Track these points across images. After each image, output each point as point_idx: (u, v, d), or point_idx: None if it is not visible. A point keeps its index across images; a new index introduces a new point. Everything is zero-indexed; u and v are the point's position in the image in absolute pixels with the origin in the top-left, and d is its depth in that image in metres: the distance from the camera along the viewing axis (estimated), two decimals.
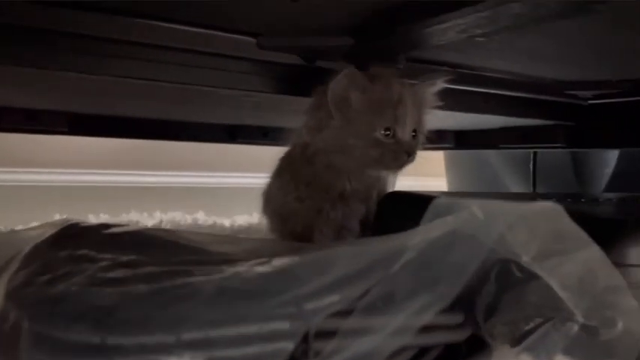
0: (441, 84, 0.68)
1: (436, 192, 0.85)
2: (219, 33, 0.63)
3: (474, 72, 0.81)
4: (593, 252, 0.35)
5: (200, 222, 1.28)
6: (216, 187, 1.50)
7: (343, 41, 0.60)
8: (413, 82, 0.67)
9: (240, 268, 0.32)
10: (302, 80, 0.73)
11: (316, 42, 0.61)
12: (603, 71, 0.85)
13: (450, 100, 0.87)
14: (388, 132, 0.64)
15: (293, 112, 0.83)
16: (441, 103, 0.72)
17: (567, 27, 0.56)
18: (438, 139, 1.28)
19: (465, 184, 1.49)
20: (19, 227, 0.85)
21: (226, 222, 1.29)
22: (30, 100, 0.93)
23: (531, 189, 1.23)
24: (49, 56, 0.61)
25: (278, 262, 0.31)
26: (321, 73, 0.72)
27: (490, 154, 1.38)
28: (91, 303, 0.30)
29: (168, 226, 1.20)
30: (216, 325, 0.28)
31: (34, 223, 0.59)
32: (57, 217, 1.26)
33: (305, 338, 0.29)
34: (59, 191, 1.35)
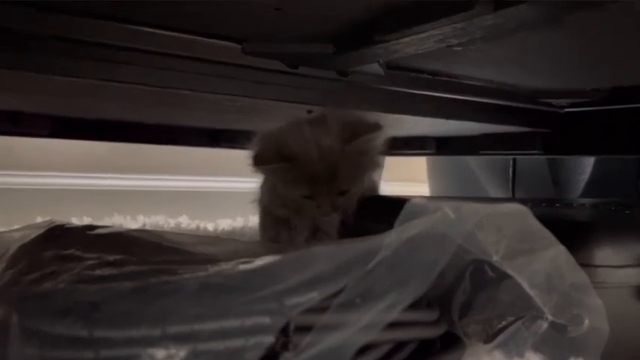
0: (381, 135, 0.72)
1: (415, 196, 0.87)
2: (204, 39, 0.64)
3: (453, 79, 0.83)
4: (559, 251, 0.37)
5: (183, 226, 1.29)
6: (200, 191, 1.51)
7: (325, 48, 0.62)
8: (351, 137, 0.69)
9: (224, 266, 0.33)
10: (285, 86, 0.74)
11: (299, 49, 0.62)
12: (576, 80, 0.88)
13: (430, 108, 0.90)
14: (307, 197, 0.70)
15: (275, 117, 0.84)
16: (386, 152, 0.78)
17: (540, 38, 0.59)
18: (421, 145, 1.31)
19: (446, 190, 1.51)
20: (1, 229, 0.85)
21: (210, 226, 1.30)
22: (12, 103, 0.93)
23: (510, 194, 1.26)
24: (32, 59, 0.62)
25: (260, 261, 0.33)
26: (304, 78, 0.74)
27: (471, 160, 1.40)
28: (78, 299, 0.31)
29: None
30: (199, 319, 0.29)
31: (16, 226, 0.60)
32: (39, 220, 1.26)
33: (285, 332, 0.30)
34: (41, 194, 1.35)
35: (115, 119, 1.08)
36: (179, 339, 0.28)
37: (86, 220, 1.24)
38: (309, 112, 0.85)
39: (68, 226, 0.52)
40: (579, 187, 1.18)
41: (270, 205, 0.78)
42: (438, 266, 0.30)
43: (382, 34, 0.54)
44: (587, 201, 0.85)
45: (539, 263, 0.38)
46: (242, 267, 0.33)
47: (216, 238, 0.62)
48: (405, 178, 1.66)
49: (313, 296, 0.31)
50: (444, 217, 0.33)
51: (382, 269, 0.30)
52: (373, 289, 0.29)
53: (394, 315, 0.29)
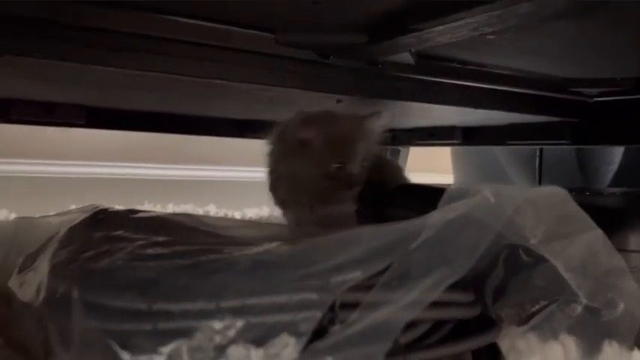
0: (386, 117, 0.80)
1: (445, 184, 0.87)
2: (239, 29, 0.65)
3: (482, 68, 0.83)
4: (596, 236, 0.38)
5: (211, 214, 1.31)
6: (227, 181, 1.53)
7: (357, 38, 0.63)
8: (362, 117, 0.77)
9: (271, 245, 0.35)
10: (316, 76, 0.75)
11: (332, 39, 0.63)
12: (607, 69, 0.87)
13: (459, 97, 0.90)
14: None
15: (307, 107, 0.85)
16: (386, 135, 0.83)
17: (572, 26, 0.59)
18: (447, 135, 1.31)
19: (471, 180, 1.51)
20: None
21: (237, 215, 1.32)
22: (48, 93, 0.96)
23: (537, 185, 1.25)
24: (70, 49, 0.64)
25: (306, 241, 0.34)
26: (335, 68, 0.75)
27: (497, 150, 1.40)
28: (135, 275, 0.33)
29: None
30: (251, 294, 0.30)
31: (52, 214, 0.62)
32: (73, 207, 1.29)
33: (332, 308, 0.31)
34: (74, 183, 1.38)
35: (149, 110, 1.10)
36: (233, 312, 0.30)
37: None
38: (339, 101, 0.86)
39: (112, 210, 0.54)
40: (608, 177, 1.17)
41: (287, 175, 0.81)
42: (479, 249, 0.31)
43: (417, 22, 0.55)
44: (616, 190, 0.85)
45: (576, 247, 0.39)
46: (289, 246, 0.34)
47: (254, 222, 0.64)
48: (426, 168, 1.66)
49: (357, 275, 0.32)
50: (484, 200, 0.33)
51: (425, 249, 0.31)
52: (416, 269, 0.31)
53: (436, 294, 0.31)
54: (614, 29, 0.62)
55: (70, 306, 0.33)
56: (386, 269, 0.31)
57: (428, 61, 0.78)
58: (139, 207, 1.26)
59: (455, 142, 1.31)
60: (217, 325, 0.29)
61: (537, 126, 1.12)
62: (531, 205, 0.35)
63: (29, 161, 1.35)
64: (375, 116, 0.78)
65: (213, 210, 1.33)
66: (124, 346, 0.30)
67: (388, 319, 0.30)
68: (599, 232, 0.38)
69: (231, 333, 0.29)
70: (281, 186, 0.81)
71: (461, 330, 0.40)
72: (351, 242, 0.32)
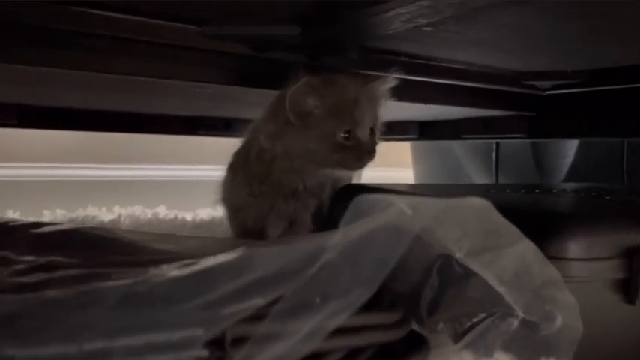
0: (393, 80, 0.70)
1: (393, 185, 0.84)
2: (164, 22, 0.61)
3: (432, 62, 0.80)
4: (526, 247, 0.35)
5: (161, 216, 1.26)
6: (179, 180, 1.48)
7: (290, 30, 0.59)
8: (367, 79, 0.69)
9: (155, 271, 0.30)
10: (253, 71, 0.71)
11: (262, 31, 0.59)
12: (557, 62, 0.85)
13: (409, 92, 0.86)
14: (348, 134, 0.66)
15: (253, 104, 0.81)
16: (393, 98, 0.74)
17: (513, 17, 0.56)
18: (403, 130, 1.28)
19: (431, 175, 1.49)
20: None
21: (188, 216, 1.26)
22: None
23: (494, 179, 1.23)
24: None
25: (195, 265, 0.30)
26: (272, 64, 0.71)
27: (455, 144, 1.38)
28: None
29: (127, 222, 1.18)
30: (121, 333, 0.26)
31: None
32: (10, 213, 1.22)
33: (221, 345, 0.27)
34: (12, 186, 1.31)
35: (85, 108, 1.04)
36: (97, 357, 0.25)
37: (59, 213, 1.20)
38: None
39: (12, 223, 0.49)
40: (562, 171, 1.16)
41: (288, 153, 0.69)
42: (388, 265, 0.27)
43: (348, 13, 0.51)
44: (568, 186, 0.83)
45: (507, 259, 0.35)
46: (175, 272, 0.30)
47: (174, 236, 0.59)
48: (389, 163, 1.63)
49: (251, 304, 0.28)
50: (399, 214, 0.30)
51: (326, 273, 0.27)
52: (315, 295, 0.27)
53: (340, 320, 0.27)
54: (556, 20, 0.60)
55: None
56: (281, 296, 0.27)
57: (373, 55, 0.74)
58: (81, 210, 1.22)
59: (411, 137, 1.29)
60: None
61: (493, 120, 1.10)
62: (452, 216, 0.32)
63: None
64: (380, 79, 0.69)
65: (163, 212, 1.27)
66: None
67: (282, 353, 0.26)
68: (529, 242, 0.35)
69: None
70: (276, 169, 0.71)
71: (385, 354, 0.36)
72: (244, 266, 0.28)
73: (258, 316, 0.27)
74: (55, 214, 1.18)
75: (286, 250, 0.28)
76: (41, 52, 0.61)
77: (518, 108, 1.01)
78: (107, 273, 0.33)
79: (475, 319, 0.43)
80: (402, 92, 0.86)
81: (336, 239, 0.28)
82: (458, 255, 0.34)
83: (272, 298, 0.28)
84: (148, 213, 1.26)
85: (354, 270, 0.27)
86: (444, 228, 0.32)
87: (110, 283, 0.28)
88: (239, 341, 0.27)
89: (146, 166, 1.46)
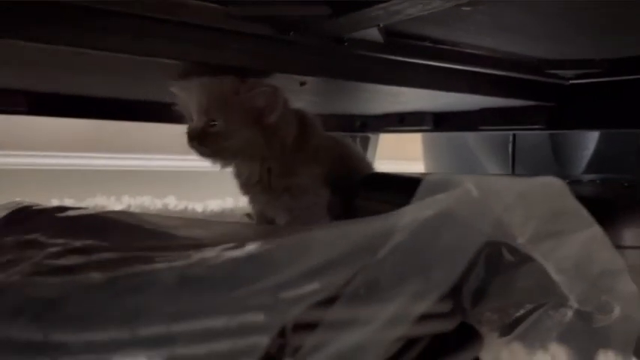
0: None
1: (415, 174, 0.82)
2: (189, 0, 0.58)
3: (456, 48, 0.78)
4: (594, 233, 0.33)
5: (170, 207, 1.24)
6: (188, 171, 1.45)
7: (320, 10, 0.56)
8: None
9: (208, 253, 0.28)
10: (276, 55, 0.69)
11: (290, 11, 0.56)
12: (586, 49, 0.83)
13: (431, 79, 0.84)
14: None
15: None
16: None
17: (552, 1, 0.53)
18: (417, 121, 1.25)
19: (442, 167, 1.47)
20: None
21: (198, 207, 1.24)
22: None
23: (510, 171, 1.21)
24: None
25: (251, 247, 0.28)
26: (296, 46, 0.69)
27: (469, 136, 1.36)
28: (32, 294, 0.26)
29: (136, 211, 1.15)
30: (178, 318, 0.24)
31: None
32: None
33: (281, 332, 0.25)
34: (21, 175, 1.29)
35: (96, 95, 1.01)
36: (152, 343, 0.23)
37: (68, 202, 1.18)
38: (302, 83, 0.79)
39: (36, 207, 0.46)
40: (582, 163, 1.14)
41: None
42: (465, 255, 0.25)
43: None
44: (594, 177, 0.81)
45: (569, 246, 0.33)
46: (230, 254, 0.28)
47: (204, 221, 0.57)
48: (395, 156, 1.61)
49: (314, 288, 0.26)
50: (466, 195, 0.28)
51: (397, 257, 0.25)
52: (387, 280, 0.25)
53: (424, 306, 0.25)
54: (593, 6, 0.57)
55: None
56: (350, 281, 0.25)
57: (397, 39, 0.72)
58: (90, 200, 1.19)
59: (426, 128, 1.26)
60: None
61: (511, 110, 1.07)
62: (521, 199, 0.30)
63: None
64: (256, 84, 0.72)
65: (172, 202, 1.25)
66: None
67: (363, 340, 0.24)
68: (598, 229, 0.33)
69: None
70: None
71: (437, 345, 0.34)
72: (307, 248, 0.26)
73: (325, 301, 0.25)
74: (63, 204, 1.16)
75: (351, 232, 0.26)
76: (58, 31, 0.59)
77: (539, 98, 0.99)
78: (149, 257, 0.31)
79: (524, 310, 0.42)
80: (424, 80, 0.84)
81: (407, 219, 0.26)
82: (519, 241, 0.32)
83: (338, 283, 0.26)
84: (158, 203, 1.24)
85: (430, 252, 0.25)
86: (509, 211, 0.30)
87: (163, 265, 0.26)
88: (304, 329, 0.25)
89: (156, 156, 1.44)
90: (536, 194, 0.30)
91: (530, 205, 0.30)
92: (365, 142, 1.43)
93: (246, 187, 0.79)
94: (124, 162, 1.41)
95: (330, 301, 0.25)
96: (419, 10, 0.52)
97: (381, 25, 0.62)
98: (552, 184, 0.30)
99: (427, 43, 0.75)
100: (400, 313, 0.24)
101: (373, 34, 0.65)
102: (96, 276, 0.27)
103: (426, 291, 0.24)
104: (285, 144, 0.76)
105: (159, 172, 1.45)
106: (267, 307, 0.25)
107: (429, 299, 0.25)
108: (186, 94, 0.74)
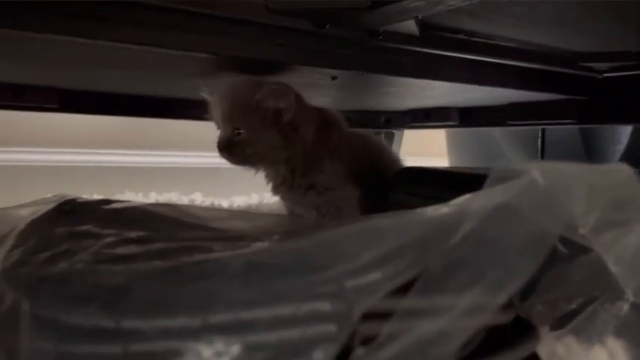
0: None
1: (448, 168, 0.81)
2: None
3: (490, 41, 0.77)
4: None
5: (197, 203, 1.24)
6: (214, 168, 1.46)
7: (358, 3, 0.56)
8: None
9: (270, 242, 0.28)
10: (310, 48, 0.68)
11: (328, 4, 0.56)
12: (623, 42, 0.81)
13: (464, 72, 0.83)
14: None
15: (304, 85, 0.79)
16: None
17: None
18: (443, 116, 1.24)
19: (468, 163, 1.45)
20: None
21: (224, 203, 1.25)
22: (17, 75, 0.87)
23: None
24: (29, 19, 0.55)
25: (314, 236, 0.27)
26: (331, 39, 0.68)
27: (495, 131, 1.34)
28: (99, 282, 0.26)
29: None
30: (248, 305, 0.24)
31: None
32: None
33: (353, 320, 0.25)
34: (50, 171, 1.30)
35: (127, 92, 1.02)
36: (224, 330, 0.23)
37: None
38: (334, 78, 0.79)
39: (81, 200, 0.47)
40: (614, 158, 1.12)
41: None
42: (545, 245, 0.25)
43: None
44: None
45: (631, 238, 0.32)
46: (289, 243, 0.27)
47: (244, 213, 0.57)
48: (418, 152, 1.59)
49: (379, 277, 0.25)
50: (531, 184, 0.27)
51: (471, 243, 0.24)
52: (462, 269, 0.24)
53: (505, 296, 0.24)
54: None
55: (18, 321, 0.26)
56: (422, 269, 0.25)
57: (432, 31, 0.71)
58: (119, 196, 1.20)
59: (451, 123, 1.25)
60: (207, 350, 0.22)
61: (540, 104, 1.06)
62: (587, 189, 0.29)
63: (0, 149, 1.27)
64: (267, 84, 0.74)
65: (199, 198, 1.26)
66: None
67: (445, 329, 0.23)
68: None
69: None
70: None
71: (493, 340, 0.33)
72: (371, 236, 0.26)
73: (398, 290, 0.24)
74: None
75: (419, 219, 0.25)
76: (90, 26, 0.59)
77: (572, 91, 0.98)
78: (205, 247, 0.31)
79: (577, 304, 0.41)
80: (456, 73, 0.83)
81: (476, 206, 0.25)
82: (581, 231, 0.31)
83: (402, 273, 0.25)
84: (184, 199, 1.25)
85: (506, 239, 0.24)
86: (573, 200, 0.29)
87: (229, 252, 0.26)
88: (374, 318, 0.25)
89: (182, 153, 1.45)
90: (601, 183, 0.29)
91: (594, 193, 0.29)
92: (389, 139, 1.42)
93: (275, 188, 0.80)
94: (151, 159, 1.42)
95: (403, 290, 0.24)
96: (460, 0, 0.52)
97: (419, 17, 0.61)
98: (620, 170, 0.30)
99: (461, 36, 0.74)
100: (480, 302, 0.23)
101: (409, 26, 0.64)
102: (159, 264, 0.27)
103: (506, 280, 0.24)
104: (305, 142, 0.76)
105: (185, 169, 1.46)
106: (334, 296, 0.25)
107: (509, 289, 0.24)
108: (212, 103, 0.76)
